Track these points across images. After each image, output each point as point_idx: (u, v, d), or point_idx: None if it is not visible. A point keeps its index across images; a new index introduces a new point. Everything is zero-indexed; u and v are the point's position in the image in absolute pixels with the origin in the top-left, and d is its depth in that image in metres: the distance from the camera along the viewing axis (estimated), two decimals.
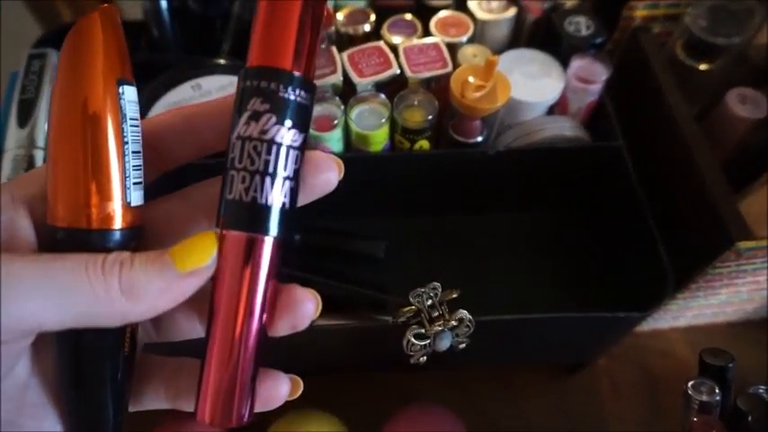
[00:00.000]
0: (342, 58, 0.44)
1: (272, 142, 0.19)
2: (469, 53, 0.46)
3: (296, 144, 0.19)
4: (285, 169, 0.19)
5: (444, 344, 0.37)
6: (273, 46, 0.19)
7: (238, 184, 0.19)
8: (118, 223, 0.19)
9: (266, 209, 0.19)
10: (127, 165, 0.19)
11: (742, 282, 0.44)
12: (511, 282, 0.50)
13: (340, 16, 0.48)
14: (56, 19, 0.62)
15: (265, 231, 0.19)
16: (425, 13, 0.48)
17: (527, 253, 0.51)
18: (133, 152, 0.19)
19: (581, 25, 0.47)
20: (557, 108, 0.47)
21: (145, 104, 0.44)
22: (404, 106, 0.43)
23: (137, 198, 0.20)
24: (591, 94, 0.45)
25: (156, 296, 0.18)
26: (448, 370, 0.52)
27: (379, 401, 0.49)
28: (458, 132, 0.44)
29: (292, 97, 0.19)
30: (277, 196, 0.19)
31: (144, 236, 0.21)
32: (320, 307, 0.21)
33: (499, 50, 0.47)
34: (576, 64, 0.45)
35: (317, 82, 0.43)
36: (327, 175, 0.20)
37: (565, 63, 0.46)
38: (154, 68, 0.46)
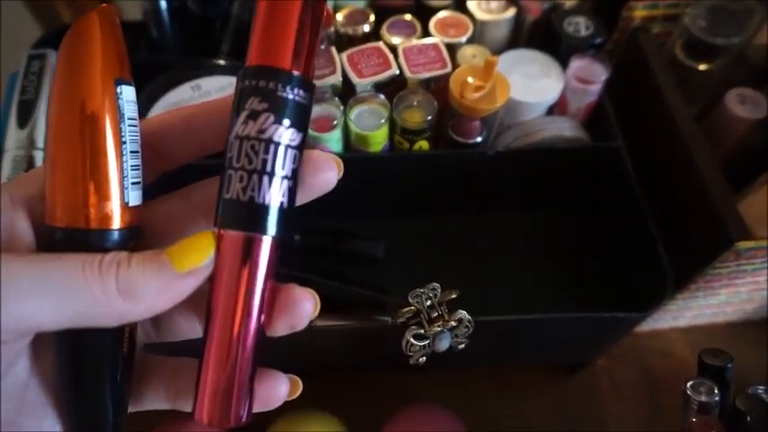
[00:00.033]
0: (341, 59, 0.44)
1: (269, 141, 0.18)
2: (469, 53, 0.46)
3: (294, 143, 0.19)
4: (283, 168, 0.19)
5: (443, 344, 0.37)
6: (272, 45, 0.19)
7: (236, 183, 0.19)
8: (116, 223, 0.19)
9: (264, 208, 0.19)
10: (125, 165, 0.19)
11: (741, 282, 0.44)
12: (510, 282, 0.50)
13: (339, 17, 0.48)
14: (55, 19, 0.62)
15: (263, 231, 0.19)
16: (425, 14, 0.48)
17: (526, 253, 0.51)
18: (131, 152, 0.19)
19: (580, 25, 0.47)
20: (556, 108, 0.47)
21: (144, 105, 0.44)
22: (403, 107, 0.43)
23: (135, 198, 0.20)
24: (590, 95, 0.45)
25: (154, 296, 0.18)
26: (448, 370, 0.52)
27: (379, 402, 0.49)
28: (457, 133, 0.44)
29: (290, 96, 0.19)
30: (275, 195, 0.19)
31: (143, 236, 0.21)
32: (319, 306, 0.21)
33: (498, 51, 0.47)
34: (576, 64, 0.45)
35: (317, 82, 0.43)
36: (327, 175, 0.20)
37: (564, 63, 0.46)
38: (153, 69, 0.46)
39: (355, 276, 0.48)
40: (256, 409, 0.21)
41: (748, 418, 0.29)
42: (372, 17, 0.48)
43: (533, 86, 0.45)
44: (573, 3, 0.48)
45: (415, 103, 0.43)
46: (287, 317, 0.20)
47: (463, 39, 0.46)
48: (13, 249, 0.19)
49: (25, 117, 0.43)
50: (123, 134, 0.19)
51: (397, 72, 0.44)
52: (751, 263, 0.41)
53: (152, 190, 0.22)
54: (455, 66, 0.44)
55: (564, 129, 0.46)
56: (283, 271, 0.20)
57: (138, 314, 0.18)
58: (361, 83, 0.43)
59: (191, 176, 0.23)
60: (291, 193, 0.19)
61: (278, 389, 0.21)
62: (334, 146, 0.43)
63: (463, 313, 0.36)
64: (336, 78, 0.43)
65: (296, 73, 0.19)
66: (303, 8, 0.19)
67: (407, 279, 0.37)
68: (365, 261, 0.50)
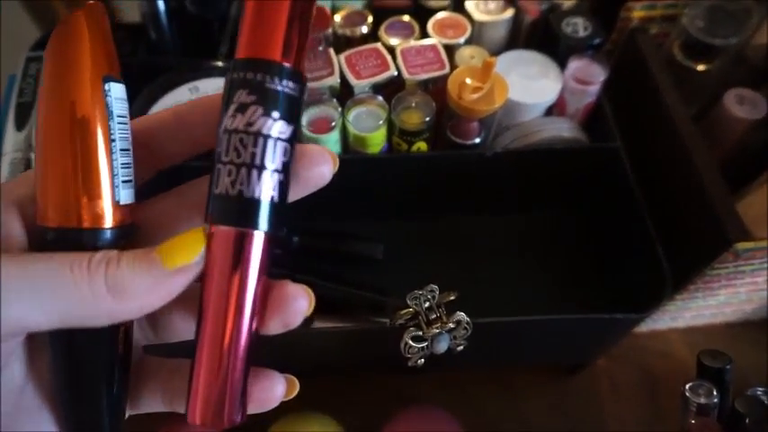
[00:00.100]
0: (339, 60, 0.44)
1: (258, 134, 0.18)
2: (467, 54, 0.46)
3: (284, 136, 0.19)
4: (273, 162, 0.18)
5: (442, 346, 0.37)
6: (260, 37, 0.18)
7: (225, 177, 0.18)
8: (107, 222, 0.19)
9: (254, 202, 0.18)
10: (115, 163, 0.19)
11: (740, 283, 0.44)
12: (509, 283, 0.49)
13: (337, 18, 0.48)
14: (54, 22, 0.62)
15: (254, 225, 0.19)
16: (423, 15, 0.48)
17: (525, 254, 0.51)
18: (121, 150, 0.19)
19: (578, 26, 0.47)
20: (555, 109, 0.47)
21: (142, 107, 0.44)
22: (401, 108, 0.43)
23: (126, 196, 0.20)
24: (589, 95, 0.45)
25: (144, 294, 0.18)
26: (447, 371, 0.52)
27: (378, 403, 0.49)
28: (455, 134, 0.44)
29: (279, 88, 0.18)
30: (265, 189, 0.18)
31: (139, 235, 0.21)
32: (313, 303, 0.20)
33: (497, 52, 0.47)
34: (574, 65, 0.45)
35: (315, 84, 0.43)
36: (321, 169, 0.20)
37: (562, 64, 0.46)
38: (151, 71, 0.46)
39: (354, 278, 0.48)
40: (252, 410, 0.21)
41: (747, 420, 0.29)
42: (370, 18, 0.48)
43: (532, 87, 0.45)
44: (571, 3, 0.48)
45: (414, 105, 0.43)
46: (280, 314, 0.20)
47: (461, 40, 0.46)
48: (4, 250, 0.18)
49: (23, 119, 0.43)
50: (112, 132, 0.19)
51: (396, 73, 0.44)
52: (750, 263, 0.41)
53: (148, 189, 0.22)
54: (453, 67, 0.44)
55: (562, 129, 0.46)
56: (282, 272, 0.20)
57: (129, 313, 0.18)
58: (360, 84, 0.43)
59: (187, 177, 0.22)
60: (283, 187, 0.19)
61: (274, 389, 0.21)
62: (333, 147, 0.43)
63: (462, 315, 0.36)
64: (334, 80, 0.43)
65: (284, 64, 0.19)
66: (291, 0, 0.19)
67: (406, 280, 0.37)
68: (364, 262, 0.50)
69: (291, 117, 0.19)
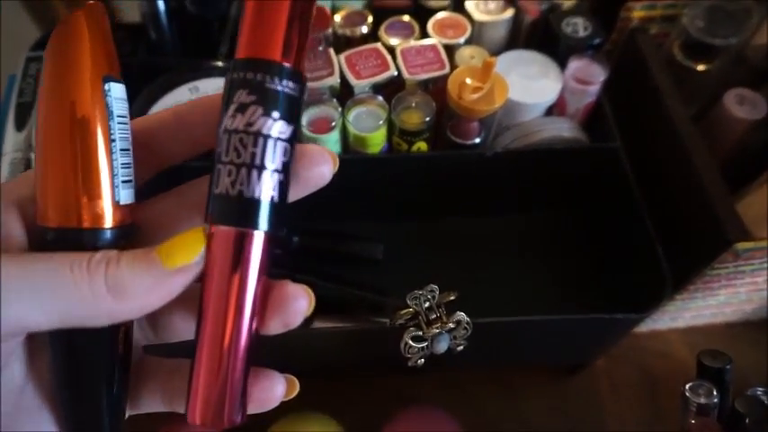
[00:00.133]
0: (339, 60, 0.44)
1: (258, 134, 0.18)
2: (467, 54, 0.46)
3: (284, 136, 0.19)
4: (273, 162, 0.18)
5: (442, 346, 0.37)
6: (260, 37, 0.18)
7: (225, 177, 0.18)
8: (107, 222, 0.19)
9: (254, 202, 0.18)
10: (115, 163, 0.19)
11: (740, 283, 0.44)
12: (509, 283, 0.49)
13: (337, 18, 0.48)
14: (54, 22, 0.62)
15: (254, 225, 0.19)
16: (423, 15, 0.48)
17: (525, 254, 0.51)
18: (121, 150, 0.19)
19: (578, 26, 0.47)
20: (555, 109, 0.47)
21: (142, 107, 0.44)
22: (401, 108, 0.43)
23: (126, 196, 0.20)
24: (589, 96, 0.45)
25: (143, 294, 0.18)
26: (447, 372, 0.52)
27: (378, 404, 0.49)
28: (456, 134, 0.44)
29: (279, 88, 0.18)
30: (265, 189, 0.18)
31: (140, 235, 0.21)
32: (313, 303, 0.20)
33: (497, 52, 0.47)
34: (574, 65, 0.45)
35: (315, 84, 0.43)
36: (321, 169, 0.20)
37: (562, 64, 0.46)
38: (151, 71, 0.46)
39: (354, 278, 0.48)
40: (252, 410, 0.21)
41: (747, 420, 0.29)
42: (370, 18, 0.48)
43: (532, 87, 0.45)
44: (571, 3, 0.48)
45: (414, 105, 0.43)
46: (280, 314, 0.20)
47: (461, 40, 0.46)
48: (4, 251, 0.18)
49: (23, 119, 0.43)
50: (113, 132, 0.19)
51: (396, 73, 0.44)
52: (750, 263, 0.41)
53: (148, 189, 0.22)
54: (453, 67, 0.44)
55: (562, 129, 0.46)
56: (282, 272, 0.20)
57: (128, 313, 0.18)
58: (360, 84, 0.43)
59: (187, 177, 0.22)
60: (283, 186, 0.19)
61: (274, 389, 0.21)
62: (333, 147, 0.43)
63: (462, 315, 0.36)
64: (334, 80, 0.43)
65: (284, 64, 0.19)
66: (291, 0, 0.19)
67: (406, 280, 0.37)
68: (364, 263, 0.50)
69: (291, 117, 0.19)
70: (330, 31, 0.47)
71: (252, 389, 0.20)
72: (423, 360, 0.38)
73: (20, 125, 0.43)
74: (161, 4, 0.49)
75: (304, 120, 0.42)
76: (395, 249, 0.50)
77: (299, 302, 0.20)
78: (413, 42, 0.46)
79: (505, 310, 0.38)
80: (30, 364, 0.20)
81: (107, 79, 0.19)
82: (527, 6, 0.48)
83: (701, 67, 0.46)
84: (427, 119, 0.42)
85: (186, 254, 0.18)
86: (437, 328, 0.36)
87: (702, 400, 0.30)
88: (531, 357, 0.53)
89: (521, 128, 0.46)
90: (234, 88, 0.18)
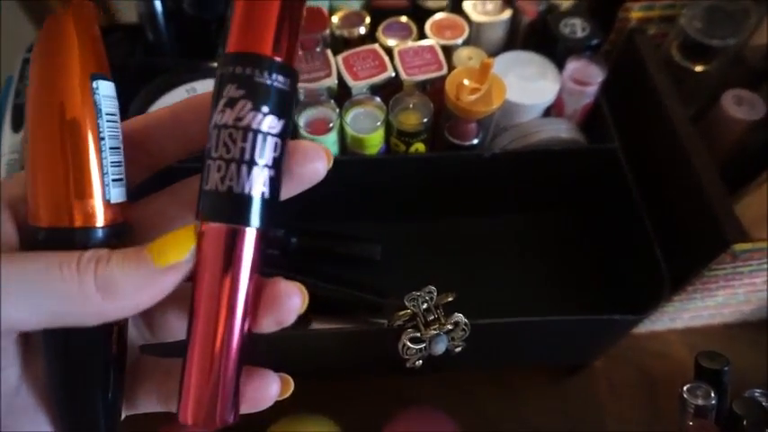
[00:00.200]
0: (337, 61, 0.44)
1: (247, 129, 0.18)
2: (465, 55, 0.46)
3: (274, 131, 0.18)
4: (263, 157, 0.18)
5: (440, 347, 0.37)
6: (249, 31, 0.18)
7: (214, 173, 0.18)
8: (99, 221, 0.19)
9: (244, 198, 0.18)
10: (105, 161, 0.19)
11: (738, 283, 0.44)
12: (507, 284, 0.49)
13: (335, 19, 0.48)
14: None
15: (244, 222, 0.18)
16: (420, 16, 0.48)
17: (523, 255, 0.51)
18: (111, 148, 0.19)
19: (576, 27, 0.47)
20: (553, 110, 0.47)
21: (140, 108, 0.44)
22: (399, 109, 0.43)
23: (117, 195, 0.19)
24: (587, 96, 0.45)
25: (134, 293, 0.18)
26: (446, 372, 0.52)
27: (377, 405, 0.49)
28: (453, 135, 0.44)
29: (268, 82, 0.18)
30: (256, 185, 0.18)
31: (133, 234, 0.21)
32: (306, 301, 0.20)
33: (494, 53, 0.47)
34: (572, 66, 0.45)
35: (313, 85, 0.43)
36: (315, 165, 0.20)
37: (560, 65, 0.46)
38: (149, 72, 0.46)
39: (352, 279, 0.47)
40: (246, 409, 0.20)
41: (745, 422, 0.29)
42: (368, 19, 0.48)
43: (529, 88, 0.45)
44: (569, 4, 0.48)
45: (411, 106, 0.43)
46: (273, 312, 0.19)
47: (459, 41, 0.46)
48: None
49: (20, 121, 0.43)
50: (101, 130, 0.19)
51: (393, 74, 0.44)
52: (748, 264, 0.41)
53: (142, 189, 0.22)
54: (451, 68, 0.44)
55: (560, 130, 0.46)
56: (280, 273, 0.20)
57: (119, 312, 0.18)
58: (357, 85, 0.43)
59: (182, 178, 0.22)
60: (274, 182, 0.19)
61: (268, 388, 0.21)
62: (331, 149, 0.43)
63: (460, 316, 0.36)
64: (332, 81, 0.43)
65: (273, 58, 0.18)
66: None
67: (405, 281, 0.37)
68: (362, 263, 0.50)
69: (282, 112, 0.19)
70: (328, 32, 0.47)
71: (245, 388, 0.20)
72: (421, 361, 0.38)
73: (17, 126, 0.43)
74: (158, 5, 0.49)
75: (301, 121, 0.42)
76: (393, 250, 0.50)
77: (292, 300, 0.19)
78: (410, 43, 0.46)
79: (504, 310, 0.38)
80: (24, 364, 0.20)
81: (95, 77, 0.19)
82: (525, 7, 0.48)
83: (699, 68, 0.46)
84: (425, 120, 0.42)
85: (176, 252, 0.18)
86: (435, 329, 0.36)
87: (700, 402, 0.30)
88: (529, 358, 0.53)
89: (519, 129, 0.46)
90: (223, 83, 0.18)
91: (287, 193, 0.20)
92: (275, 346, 0.39)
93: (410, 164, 0.45)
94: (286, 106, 0.19)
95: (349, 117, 0.42)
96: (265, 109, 0.18)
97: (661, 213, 0.43)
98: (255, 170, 0.18)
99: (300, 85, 0.43)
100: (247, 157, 0.18)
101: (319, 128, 0.42)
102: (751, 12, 0.44)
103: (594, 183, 0.47)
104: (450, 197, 0.49)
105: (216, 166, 0.18)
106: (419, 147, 0.44)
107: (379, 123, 0.42)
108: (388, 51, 0.45)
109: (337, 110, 0.42)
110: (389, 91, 0.43)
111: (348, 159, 0.44)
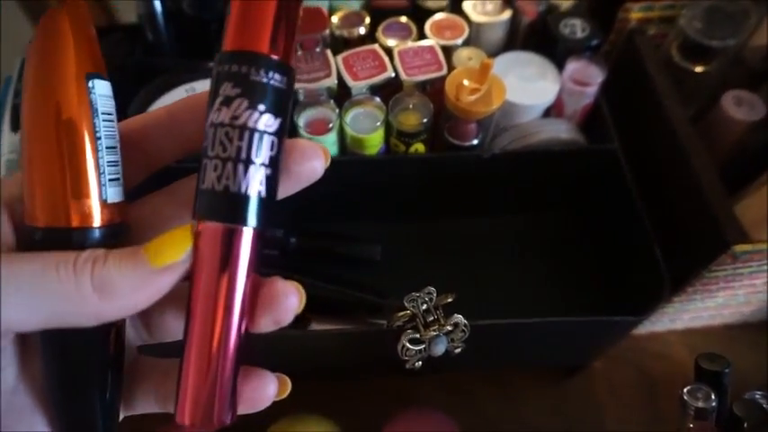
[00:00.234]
0: (336, 61, 0.44)
1: (243, 127, 0.18)
2: (465, 56, 0.46)
3: (271, 129, 0.18)
4: (259, 156, 0.18)
5: (439, 349, 0.37)
6: (245, 29, 0.18)
7: (211, 172, 0.18)
8: (95, 221, 0.19)
9: (241, 197, 0.18)
10: (101, 161, 0.19)
11: (738, 285, 0.44)
12: (507, 285, 0.49)
13: (335, 19, 0.48)
14: None
15: (241, 221, 0.18)
16: (420, 16, 0.47)
17: (523, 256, 0.51)
18: (107, 148, 0.19)
19: (576, 27, 0.47)
20: (552, 111, 0.47)
21: (139, 108, 0.44)
22: (399, 109, 0.43)
23: (114, 195, 0.19)
24: (586, 97, 0.45)
25: (130, 293, 0.18)
26: (446, 373, 0.52)
27: (377, 406, 0.49)
28: (453, 135, 0.44)
29: (265, 80, 0.18)
30: (252, 184, 0.18)
31: (130, 234, 0.20)
32: (304, 300, 0.20)
33: (494, 53, 0.47)
34: (572, 66, 0.45)
35: (313, 85, 0.43)
36: (313, 163, 0.20)
37: (560, 65, 0.46)
38: (149, 72, 0.46)
39: (352, 279, 0.47)
40: (243, 410, 0.20)
41: (745, 425, 0.29)
42: (368, 19, 0.47)
43: (529, 89, 0.45)
44: (569, 4, 0.48)
45: (411, 106, 0.43)
46: (270, 312, 0.19)
47: (459, 41, 0.46)
48: None
49: (19, 121, 0.43)
50: (98, 130, 0.19)
51: (393, 75, 0.44)
52: (748, 266, 0.41)
53: (140, 189, 0.22)
54: (451, 68, 0.44)
55: (560, 131, 0.46)
56: (279, 273, 0.20)
57: (116, 312, 0.18)
58: (357, 85, 0.43)
59: (180, 177, 0.22)
60: (271, 181, 0.19)
61: (265, 389, 0.20)
62: (330, 149, 0.43)
63: (459, 317, 0.36)
64: (332, 81, 0.43)
65: (270, 56, 0.18)
66: None
67: (405, 282, 0.37)
68: (362, 264, 0.50)
69: (279, 110, 0.19)
70: (327, 32, 0.47)
71: (243, 388, 0.20)
72: (420, 362, 0.38)
73: (16, 126, 0.43)
74: (158, 5, 0.49)
75: (301, 121, 0.42)
76: (393, 251, 0.49)
77: (289, 300, 0.19)
78: (410, 43, 0.46)
79: (503, 311, 0.38)
80: (22, 364, 0.20)
81: (91, 76, 0.19)
82: (525, 7, 0.48)
83: (699, 69, 0.46)
84: (425, 120, 0.42)
85: (173, 252, 0.18)
86: (434, 330, 0.36)
87: (700, 404, 0.30)
88: (529, 359, 0.53)
89: (518, 129, 0.46)
90: (219, 81, 0.18)
91: (284, 191, 0.20)
92: (275, 346, 0.39)
93: (410, 164, 0.45)
94: (283, 104, 0.19)
95: (349, 117, 0.42)
96: (262, 107, 0.18)
97: (661, 214, 0.43)
98: (252, 169, 0.18)
99: (300, 85, 0.43)
100: (244, 155, 0.18)
101: (319, 128, 0.42)
102: (751, 12, 0.44)
103: (594, 183, 0.47)
104: (449, 198, 0.49)
105: (212, 165, 0.18)
106: (419, 147, 0.44)
107: (378, 124, 0.42)
108: (388, 51, 0.45)
109: (337, 110, 0.42)
110: (389, 91, 0.43)
111: (348, 160, 0.44)
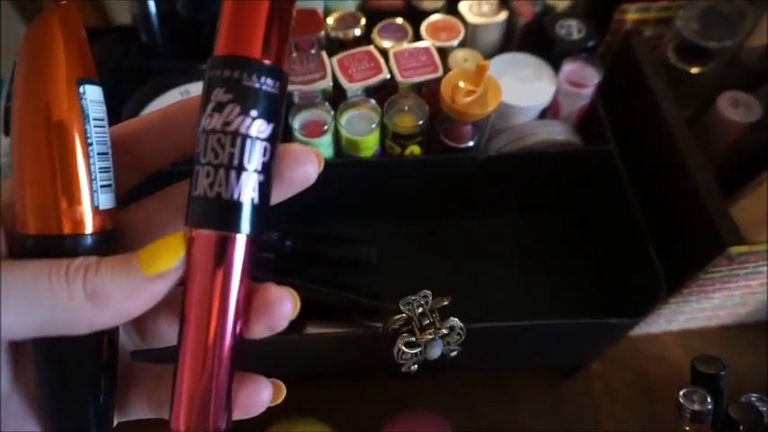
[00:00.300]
0: (331, 63, 0.44)
1: (236, 134, 0.18)
2: (460, 57, 0.46)
3: (263, 135, 0.18)
4: (252, 162, 0.18)
5: (435, 352, 0.37)
6: (237, 34, 0.18)
7: (203, 179, 0.18)
8: (87, 228, 0.19)
9: (233, 204, 0.18)
10: (92, 167, 0.19)
11: (734, 286, 0.44)
12: (503, 288, 0.49)
13: (330, 20, 0.47)
14: None
15: (234, 228, 0.18)
16: (416, 17, 0.47)
17: (519, 258, 0.51)
18: (99, 154, 0.19)
19: (572, 29, 0.46)
20: (548, 112, 0.47)
21: (133, 110, 0.44)
22: (394, 111, 0.42)
23: (106, 201, 0.19)
24: (582, 98, 0.45)
25: (123, 301, 0.18)
26: (444, 376, 0.52)
27: (373, 408, 0.49)
28: (449, 137, 0.44)
29: (257, 86, 0.18)
30: (245, 191, 0.18)
31: (123, 240, 0.20)
32: (298, 306, 0.20)
33: (490, 54, 0.47)
34: (568, 68, 0.45)
35: (308, 87, 0.43)
36: (306, 168, 0.20)
37: (556, 67, 0.46)
38: (143, 74, 0.45)
39: (348, 282, 0.47)
40: (238, 416, 0.20)
41: (741, 428, 0.29)
42: (363, 21, 0.47)
43: (525, 90, 0.45)
44: (565, 6, 0.48)
45: (407, 108, 0.43)
46: (265, 318, 0.19)
47: (455, 42, 0.46)
48: None
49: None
50: (89, 136, 0.18)
51: (388, 76, 0.44)
52: (744, 267, 0.41)
53: (134, 194, 0.22)
54: (446, 70, 0.44)
55: (556, 132, 0.46)
56: (274, 277, 0.20)
57: (108, 320, 0.18)
58: (352, 87, 0.43)
59: (173, 182, 0.22)
60: (264, 188, 0.18)
61: (260, 394, 0.20)
62: (325, 151, 0.43)
63: (455, 320, 0.36)
64: (327, 83, 0.43)
65: (262, 61, 0.18)
66: None
67: (400, 284, 0.37)
68: (358, 267, 0.50)
69: (271, 115, 0.18)
70: (322, 33, 0.47)
71: (237, 394, 0.20)
72: (416, 366, 0.38)
73: (8, 130, 0.43)
74: (152, 7, 0.49)
75: (296, 123, 0.42)
76: (389, 253, 0.49)
77: (283, 306, 0.19)
78: (406, 45, 0.45)
79: (499, 312, 0.38)
80: (15, 372, 0.20)
81: (82, 81, 0.18)
82: (521, 9, 0.47)
83: (695, 70, 0.46)
84: (420, 122, 0.42)
85: (166, 259, 0.18)
86: (430, 333, 0.36)
87: (696, 407, 0.30)
88: (526, 361, 0.53)
89: (514, 131, 0.46)
90: (211, 86, 0.18)
91: (278, 197, 0.20)
92: (271, 349, 0.39)
93: (405, 166, 0.45)
94: (275, 110, 0.19)
95: (344, 119, 0.42)
96: (254, 113, 0.18)
97: (657, 215, 0.43)
98: (244, 176, 0.18)
99: (295, 87, 0.42)
100: (236, 162, 0.18)
101: (314, 130, 0.42)
102: (747, 13, 0.44)
103: (590, 185, 0.47)
104: (445, 199, 0.49)
105: (204, 171, 0.18)
106: (414, 149, 0.44)
107: (374, 126, 0.42)
108: (384, 53, 0.45)
109: (332, 112, 0.42)
110: (384, 93, 0.43)
111: (343, 162, 0.44)
